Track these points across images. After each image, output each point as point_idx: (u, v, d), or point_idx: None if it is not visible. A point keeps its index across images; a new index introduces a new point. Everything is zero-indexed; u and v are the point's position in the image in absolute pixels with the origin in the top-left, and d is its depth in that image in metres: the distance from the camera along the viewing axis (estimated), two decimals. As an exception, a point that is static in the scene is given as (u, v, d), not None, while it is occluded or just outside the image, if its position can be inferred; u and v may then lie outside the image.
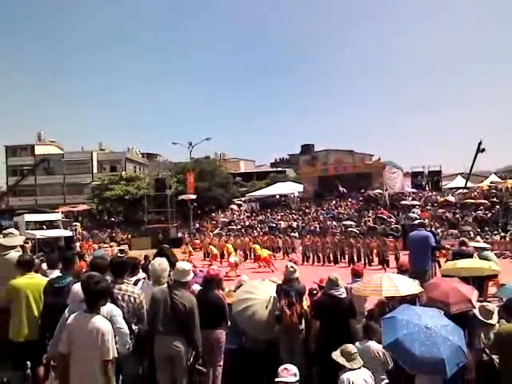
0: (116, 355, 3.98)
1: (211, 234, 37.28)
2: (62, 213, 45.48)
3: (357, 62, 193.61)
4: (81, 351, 3.86)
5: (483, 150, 41.47)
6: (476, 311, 5.47)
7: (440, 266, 10.83)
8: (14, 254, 5.93)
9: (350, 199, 42.93)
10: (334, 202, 43.46)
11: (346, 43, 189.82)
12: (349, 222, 34.62)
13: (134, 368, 4.79)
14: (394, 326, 4.55)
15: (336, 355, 4.81)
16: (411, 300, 5.59)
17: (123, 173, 59.23)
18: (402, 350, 4.35)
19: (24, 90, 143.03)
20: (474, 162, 42.80)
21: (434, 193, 40.74)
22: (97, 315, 4.02)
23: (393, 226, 32.09)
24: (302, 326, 6.31)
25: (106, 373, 3.89)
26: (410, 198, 39.48)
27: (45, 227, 34.92)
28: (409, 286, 5.59)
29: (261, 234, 34.45)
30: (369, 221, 35.24)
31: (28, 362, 5.42)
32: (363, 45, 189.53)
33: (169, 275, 5.53)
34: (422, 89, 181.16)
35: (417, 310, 4.73)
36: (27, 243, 7.19)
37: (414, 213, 33.48)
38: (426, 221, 30.09)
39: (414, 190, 43.08)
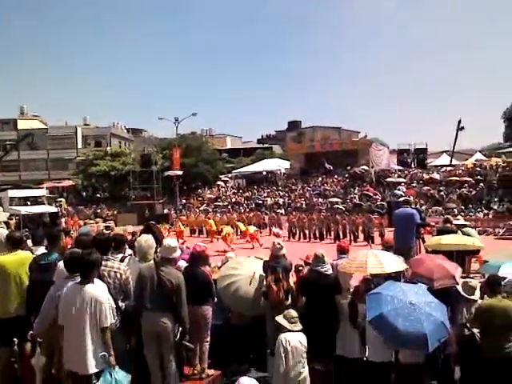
0: (113, 321, 4.11)
1: (197, 210, 37.25)
2: (47, 188, 45.10)
3: (345, 39, 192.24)
4: (78, 321, 3.95)
5: (462, 128, 41.88)
6: (459, 287, 5.55)
7: (424, 243, 10.96)
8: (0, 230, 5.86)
9: (336, 176, 43.06)
10: (320, 178, 43.57)
11: (334, 19, 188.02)
12: (335, 199, 34.80)
13: (122, 344, 4.79)
14: (378, 302, 4.62)
15: (279, 318, 5.13)
16: (396, 277, 5.65)
17: (108, 148, 58.59)
18: (385, 324, 4.42)
19: (6, 63, 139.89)
20: (455, 140, 43.16)
21: (420, 170, 40.98)
22: (92, 284, 4.15)
23: (378, 203, 32.37)
24: (289, 301, 6.36)
25: (106, 340, 4.05)
26: (396, 176, 39.72)
27: (29, 203, 34.60)
28: (394, 263, 5.63)
29: (247, 210, 34.50)
30: (355, 198, 35.48)
31: (15, 339, 5.42)
32: (352, 20, 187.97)
33: (155, 252, 5.52)
34: (411, 67, 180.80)
35: (402, 287, 4.79)
36: (11, 219, 7.11)
37: (399, 190, 33.72)
38: (411, 198, 30.33)
39: (400, 168, 43.28)
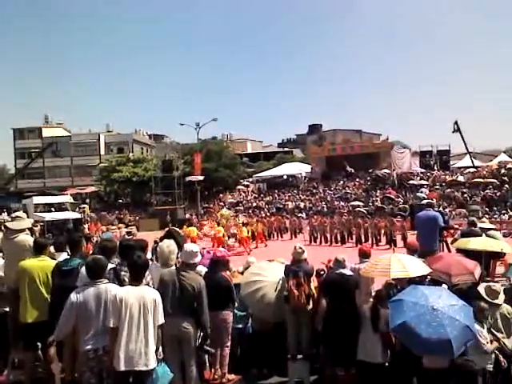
0: (163, 321, 4.33)
1: (218, 215, 37.32)
2: (71, 195, 45.74)
3: (366, 42, 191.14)
4: (141, 320, 4.14)
5: (457, 130, 40.98)
6: (481, 291, 5.45)
7: (448, 246, 10.78)
8: (23, 237, 5.96)
9: (357, 179, 42.70)
10: (341, 182, 43.28)
11: (353, 22, 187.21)
12: (356, 202, 34.48)
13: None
14: (400, 309, 4.54)
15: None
16: (420, 281, 5.56)
17: (130, 154, 59.15)
18: (408, 332, 4.34)
19: (31, 73, 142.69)
20: (464, 142, 42.20)
21: (443, 172, 40.36)
22: (145, 286, 4.42)
23: (400, 206, 31.95)
24: (310, 306, 6.33)
25: (159, 336, 4.31)
26: (418, 178, 39.22)
27: (53, 209, 35.14)
28: (417, 266, 5.55)
29: (268, 214, 34.42)
30: (376, 201, 35.11)
31: (39, 343, 5.50)
32: (371, 23, 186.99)
33: (177, 257, 5.54)
34: (432, 69, 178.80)
35: (424, 291, 4.69)
36: (36, 226, 7.23)
37: (421, 192, 33.26)
38: (434, 200, 29.93)
39: (423, 170, 42.72)
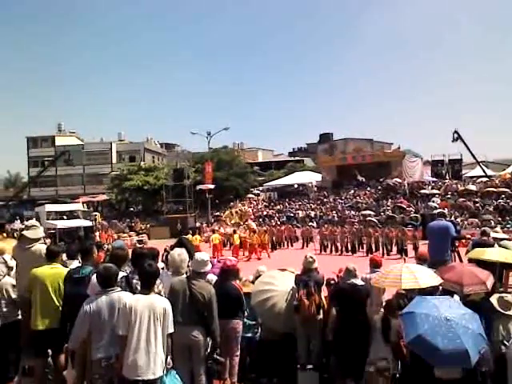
0: (173, 329, 4.33)
1: (229, 223, 37.39)
2: (82, 203, 46.06)
3: (376, 50, 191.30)
4: (149, 329, 4.14)
5: (457, 139, 40.62)
6: (494, 302, 5.39)
7: (460, 256, 10.69)
8: (39, 246, 6.01)
9: (368, 188, 42.58)
10: (352, 191, 43.14)
11: (363, 32, 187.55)
12: (367, 212, 34.32)
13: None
14: (414, 321, 4.48)
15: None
16: (431, 291, 5.52)
17: (142, 163, 59.48)
18: (425, 345, 4.29)
19: (44, 81, 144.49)
20: (470, 150, 41.79)
21: (455, 181, 40.09)
22: (155, 294, 4.40)
23: (412, 216, 31.75)
24: (320, 316, 6.31)
25: (168, 345, 4.30)
26: (430, 187, 38.99)
27: (65, 217, 35.41)
28: (429, 277, 5.50)
29: (278, 223, 34.38)
30: (387, 210, 34.94)
31: (49, 350, 5.54)
32: (381, 32, 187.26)
33: (188, 266, 5.56)
34: (442, 77, 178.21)
35: (434, 302, 4.65)
36: (46, 238, 7.29)
37: (433, 202, 33.07)
38: (446, 210, 29.73)
39: (434, 179, 42.49)
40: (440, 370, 4.68)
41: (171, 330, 4.32)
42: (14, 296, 6.13)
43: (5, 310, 6.18)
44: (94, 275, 4.92)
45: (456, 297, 5.69)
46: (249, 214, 40.12)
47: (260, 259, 22.62)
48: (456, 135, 40.43)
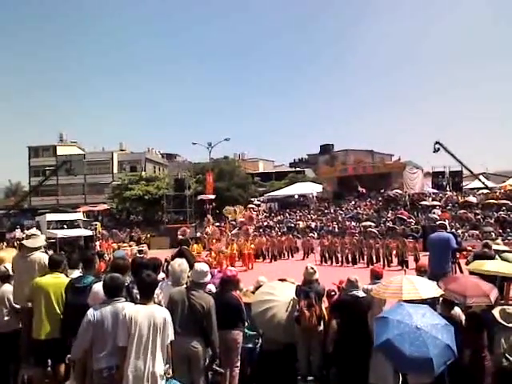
0: (173, 338, 4.35)
1: (229, 233, 37.35)
2: (83, 212, 46.00)
3: (377, 61, 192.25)
4: (149, 339, 4.14)
5: (439, 149, 40.59)
6: (496, 314, 5.39)
7: (460, 268, 10.68)
8: (39, 255, 6.03)
9: (369, 199, 42.65)
10: (353, 202, 43.24)
11: (364, 41, 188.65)
12: (368, 223, 34.30)
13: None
14: (385, 327, 4.61)
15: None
16: (431, 302, 5.52)
17: (143, 173, 59.63)
18: (392, 350, 4.42)
19: (46, 91, 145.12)
20: (459, 161, 41.65)
21: (455, 193, 40.15)
22: (154, 304, 4.41)
23: (413, 227, 31.76)
24: (321, 327, 6.30)
25: (168, 354, 4.33)
26: (431, 199, 39.04)
27: (66, 227, 35.35)
28: (429, 288, 5.51)
29: (279, 234, 34.37)
30: (388, 221, 34.96)
31: (49, 360, 5.53)
32: (381, 43, 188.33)
33: (188, 276, 5.56)
34: (444, 88, 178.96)
35: (408, 310, 4.74)
36: (46, 247, 7.29)
37: (434, 213, 33.08)
38: (447, 222, 29.72)
39: (435, 191, 42.54)
40: (411, 377, 4.84)
41: (171, 337, 4.32)
42: (14, 305, 6.12)
43: (5, 319, 6.17)
44: (95, 284, 4.94)
45: (457, 308, 5.70)
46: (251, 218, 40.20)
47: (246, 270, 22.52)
48: (437, 146, 40.35)
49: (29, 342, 5.62)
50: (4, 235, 35.42)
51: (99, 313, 4.39)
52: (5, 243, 30.09)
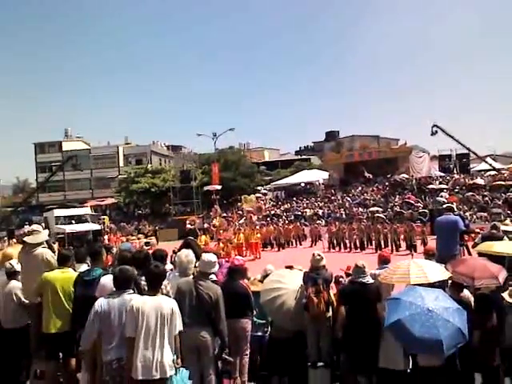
0: (181, 329, 4.36)
1: (237, 223, 37.43)
2: (91, 207, 46.24)
3: (381, 48, 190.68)
4: (157, 330, 4.16)
5: (435, 132, 39.69)
6: (506, 295, 5.36)
7: (469, 250, 10.62)
8: (41, 251, 6.06)
9: (376, 185, 42.50)
10: (359, 188, 43.11)
11: (368, 29, 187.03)
12: (375, 208, 34.22)
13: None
14: (397, 307, 4.68)
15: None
16: (440, 286, 5.50)
17: (149, 166, 59.73)
18: (402, 330, 4.49)
19: (51, 87, 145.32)
20: (458, 141, 40.76)
21: (463, 176, 39.87)
22: (161, 295, 4.42)
23: (420, 211, 31.64)
24: (330, 313, 6.30)
25: (176, 345, 4.32)
26: (438, 182, 38.86)
27: (74, 222, 35.53)
28: (437, 272, 5.48)
29: (286, 222, 34.38)
30: (396, 206, 34.84)
31: (60, 354, 5.57)
32: (386, 30, 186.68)
33: (195, 266, 5.57)
34: (447, 71, 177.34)
35: (421, 292, 4.79)
36: (55, 243, 7.31)
37: (441, 197, 32.91)
38: (454, 205, 29.49)
39: (442, 174, 42.29)
40: (421, 358, 4.87)
41: (180, 328, 4.34)
42: (22, 300, 6.17)
43: (15, 314, 6.22)
44: (103, 277, 4.96)
45: (466, 291, 5.67)
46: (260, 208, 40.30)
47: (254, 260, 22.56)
48: (435, 129, 39.59)
49: (39, 336, 5.67)
50: (13, 232, 35.62)
51: (106, 304, 4.42)
52: (14, 240, 30.26)
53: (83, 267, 5.90)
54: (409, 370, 5.23)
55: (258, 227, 28.74)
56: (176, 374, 4.27)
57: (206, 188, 44.84)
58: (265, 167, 66.70)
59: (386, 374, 5.26)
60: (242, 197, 43.04)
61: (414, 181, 39.40)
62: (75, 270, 5.80)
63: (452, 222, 9.32)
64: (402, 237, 22.61)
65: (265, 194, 51.27)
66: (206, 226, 39.76)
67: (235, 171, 51.83)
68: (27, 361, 6.06)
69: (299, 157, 78.88)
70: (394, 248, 22.10)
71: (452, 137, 38.71)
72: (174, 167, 59.75)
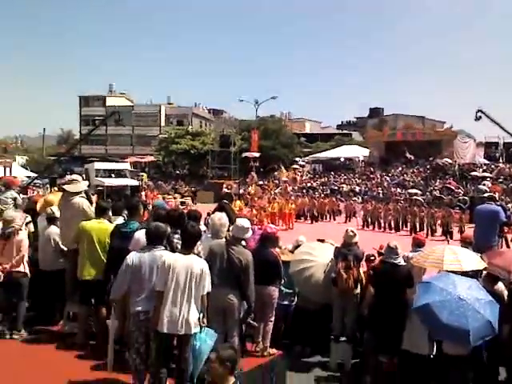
0: (210, 290, 4.40)
1: (272, 192, 37.45)
2: (130, 163, 46.92)
3: (432, 25, 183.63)
4: (186, 288, 4.23)
5: (479, 117, 37.39)
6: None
7: (507, 243, 10.35)
8: (78, 199, 6.20)
9: (417, 167, 41.60)
10: (400, 168, 42.32)
11: (422, 8, 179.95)
12: (414, 191, 33.48)
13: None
14: (427, 291, 4.64)
15: None
16: (473, 275, 5.38)
17: (189, 127, 59.99)
18: (430, 315, 4.47)
19: (99, 42, 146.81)
20: (505, 130, 38.70)
21: (509, 165, 38.47)
22: (194, 255, 4.47)
23: (460, 198, 30.84)
24: (358, 290, 6.29)
25: (204, 305, 4.39)
26: (481, 170, 37.67)
27: (113, 175, 36.13)
28: (472, 260, 5.36)
29: (322, 196, 34.16)
30: (435, 190, 34.08)
31: (92, 300, 5.78)
32: (439, 7, 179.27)
33: (228, 230, 5.61)
34: (504, 54, 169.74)
35: (454, 279, 4.72)
36: (94, 194, 7.46)
37: (484, 185, 31.91)
38: (497, 195, 28.62)
39: (487, 162, 41.00)
40: (447, 345, 4.82)
41: (208, 289, 4.39)
42: (60, 245, 6.39)
43: (51, 258, 6.47)
44: (138, 231, 5.05)
45: (500, 283, 5.54)
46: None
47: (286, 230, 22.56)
48: (479, 114, 37.65)
49: (73, 281, 5.89)
50: (55, 180, 36.56)
51: (138, 258, 4.51)
52: (55, 188, 31.16)
53: (119, 220, 6.03)
54: (432, 356, 5.20)
55: (293, 198, 28.73)
56: (200, 332, 4.34)
57: (244, 154, 44.85)
58: (305, 139, 65.94)
59: (409, 357, 5.25)
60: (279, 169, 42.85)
61: (456, 166, 38.36)
62: (111, 222, 5.93)
63: (493, 211, 9.04)
64: (438, 222, 22.20)
65: (302, 166, 50.90)
66: (241, 191, 39.98)
67: (275, 140, 51.54)
68: (61, 303, 6.32)
69: (340, 131, 77.68)
70: (430, 233, 21.73)
71: (498, 124, 37.01)
72: (214, 131, 59.81)
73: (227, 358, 3.31)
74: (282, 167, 43.40)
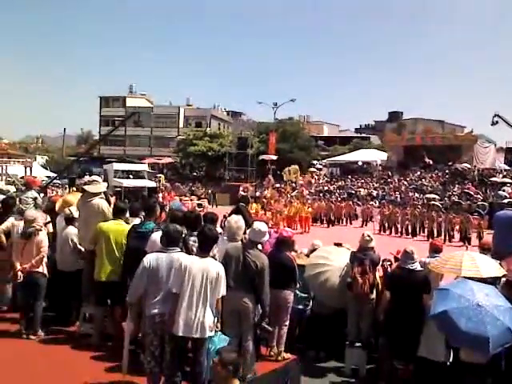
0: (225, 293, 4.43)
1: (289, 195, 37.39)
2: (148, 164, 47.28)
3: (450, 28, 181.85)
4: (201, 291, 4.25)
5: (497, 122, 36.47)
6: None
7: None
8: (98, 201, 6.24)
9: (435, 171, 41.16)
10: (418, 173, 41.91)
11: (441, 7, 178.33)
12: (432, 195, 33.15)
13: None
14: (445, 298, 4.56)
15: None
16: (492, 282, 5.30)
17: (208, 129, 60.25)
18: (447, 322, 4.39)
19: (119, 41, 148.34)
20: None
21: (530, 172, 37.91)
22: (210, 258, 4.49)
23: (479, 203, 30.43)
24: (373, 295, 6.25)
25: (218, 308, 4.43)
26: (501, 176, 37.09)
27: (131, 176, 36.39)
28: (491, 267, 5.27)
29: (338, 199, 34.00)
30: (454, 196, 33.68)
31: (108, 301, 5.82)
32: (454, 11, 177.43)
33: (244, 233, 5.61)
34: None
35: (472, 286, 4.63)
36: (112, 195, 7.51)
37: (504, 191, 31.48)
38: (517, 201, 28.16)
39: (507, 167, 40.39)
40: (465, 353, 4.72)
41: (223, 293, 4.40)
42: (78, 246, 6.44)
43: (69, 258, 6.53)
44: (155, 233, 5.08)
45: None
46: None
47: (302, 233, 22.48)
48: (496, 119, 36.93)
49: (90, 282, 5.93)
50: (74, 180, 36.97)
51: (155, 260, 4.52)
52: (74, 188, 31.49)
53: (136, 221, 6.07)
54: (449, 363, 5.14)
55: (309, 201, 28.63)
56: (215, 336, 4.36)
57: (261, 157, 44.89)
58: (323, 142, 65.78)
59: (425, 364, 5.20)
60: (286, 169, 42.63)
61: (476, 171, 37.89)
62: (128, 223, 5.97)
63: (512, 218, 8.90)
64: (456, 228, 21.94)
65: (319, 169, 50.77)
66: (257, 194, 39.97)
67: (293, 143, 51.47)
68: (77, 303, 6.37)
69: (359, 135, 77.26)
70: (447, 238, 21.50)
71: None
72: (231, 133, 59.99)
73: (230, 361, 3.34)
74: (288, 168, 43.16)
